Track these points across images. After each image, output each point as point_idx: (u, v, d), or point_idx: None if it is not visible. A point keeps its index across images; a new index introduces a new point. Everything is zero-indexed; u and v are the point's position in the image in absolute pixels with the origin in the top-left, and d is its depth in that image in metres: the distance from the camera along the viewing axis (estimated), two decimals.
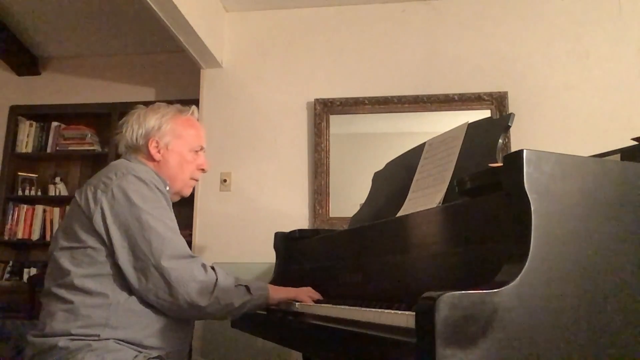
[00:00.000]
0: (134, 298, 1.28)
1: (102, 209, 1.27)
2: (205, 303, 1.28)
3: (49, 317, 1.26)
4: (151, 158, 1.47)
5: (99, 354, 1.20)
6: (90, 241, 1.27)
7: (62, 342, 1.21)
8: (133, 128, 1.48)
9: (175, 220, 1.37)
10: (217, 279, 1.31)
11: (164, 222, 1.31)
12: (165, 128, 1.48)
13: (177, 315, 1.31)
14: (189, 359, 1.49)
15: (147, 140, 1.46)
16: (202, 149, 1.57)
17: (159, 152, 1.47)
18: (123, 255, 1.26)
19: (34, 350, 1.25)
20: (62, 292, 1.26)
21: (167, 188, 1.44)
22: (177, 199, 1.54)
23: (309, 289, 1.51)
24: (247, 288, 1.38)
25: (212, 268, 1.34)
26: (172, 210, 1.40)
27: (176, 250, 1.28)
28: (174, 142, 1.49)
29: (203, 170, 1.58)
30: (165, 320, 1.31)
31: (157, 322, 1.30)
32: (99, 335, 1.22)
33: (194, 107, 1.59)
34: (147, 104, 1.59)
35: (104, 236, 1.26)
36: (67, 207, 3.64)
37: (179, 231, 1.36)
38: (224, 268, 1.38)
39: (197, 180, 1.58)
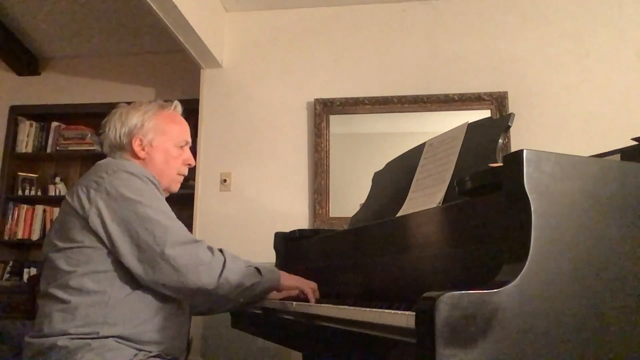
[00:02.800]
0: (131, 294, 1.28)
1: (98, 208, 1.27)
2: (214, 285, 1.28)
3: (46, 318, 1.26)
4: (136, 156, 1.46)
5: (99, 352, 1.20)
6: (87, 241, 1.27)
7: (61, 341, 1.21)
8: (116, 127, 1.46)
9: (171, 209, 1.37)
10: (225, 260, 1.32)
11: (163, 211, 1.31)
12: (148, 125, 1.46)
13: (189, 299, 1.34)
14: (187, 354, 1.49)
15: (131, 139, 1.45)
16: (187, 143, 1.55)
17: (143, 149, 1.46)
18: (126, 250, 1.25)
19: (32, 351, 1.25)
20: (59, 293, 1.26)
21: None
22: (165, 195, 1.53)
23: (314, 284, 1.51)
24: (258, 270, 1.39)
25: (220, 250, 1.34)
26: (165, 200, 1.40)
27: (180, 237, 1.29)
28: (158, 139, 1.47)
29: (189, 165, 1.56)
30: (162, 314, 1.32)
31: (155, 316, 1.31)
32: (97, 333, 1.22)
33: (176, 102, 1.57)
34: None
35: (103, 235, 1.26)
36: None
37: (177, 218, 1.35)
38: None
39: (184, 176, 1.56)
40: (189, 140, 1.57)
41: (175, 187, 1.55)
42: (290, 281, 1.48)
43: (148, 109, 1.49)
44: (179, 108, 1.57)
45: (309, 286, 1.49)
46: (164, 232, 1.27)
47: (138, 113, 1.48)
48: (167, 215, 1.31)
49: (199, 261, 1.28)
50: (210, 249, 1.32)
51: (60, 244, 1.30)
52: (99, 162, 1.43)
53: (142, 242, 1.25)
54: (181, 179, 1.56)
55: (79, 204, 1.29)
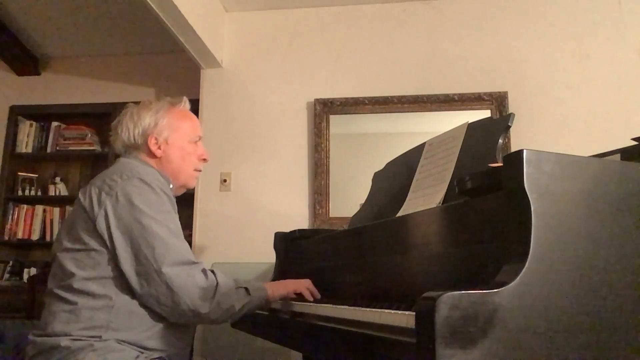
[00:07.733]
0: (136, 301, 1.27)
1: (105, 212, 1.27)
2: (207, 309, 1.27)
3: (50, 317, 1.26)
4: (152, 155, 1.46)
5: (101, 353, 1.20)
6: (93, 244, 1.27)
7: (64, 341, 1.21)
8: (128, 127, 1.46)
9: (179, 224, 1.36)
10: (217, 284, 1.30)
11: (168, 227, 1.30)
12: (162, 123, 1.46)
13: (178, 321, 1.31)
14: (190, 358, 1.49)
15: (146, 138, 1.45)
16: (200, 138, 1.56)
17: (159, 148, 1.46)
18: (125, 259, 1.25)
19: (35, 349, 1.25)
20: (65, 294, 1.26)
21: (171, 186, 1.44)
22: (182, 191, 1.55)
23: (308, 281, 1.51)
24: (247, 290, 1.37)
25: (213, 272, 1.34)
26: (177, 212, 1.39)
27: (179, 257, 1.28)
28: (173, 136, 1.48)
29: (204, 160, 1.57)
30: (166, 322, 1.31)
31: (159, 323, 1.30)
32: (100, 337, 1.22)
33: (184, 98, 1.57)
34: None
35: (107, 239, 1.26)
36: (67, 207, 3.66)
37: (182, 236, 1.35)
38: (224, 268, 1.38)
39: (200, 171, 1.57)
40: (201, 135, 1.57)
41: (193, 183, 1.57)
42: (280, 291, 1.47)
43: (159, 107, 1.49)
44: (188, 104, 1.58)
45: (303, 285, 1.48)
46: (165, 248, 1.26)
47: (150, 112, 1.47)
48: (170, 231, 1.30)
49: (194, 283, 1.26)
50: (205, 271, 1.31)
51: (69, 245, 1.30)
52: (118, 160, 1.44)
53: (141, 254, 1.25)
54: (197, 174, 1.56)
55: (90, 204, 1.29)
